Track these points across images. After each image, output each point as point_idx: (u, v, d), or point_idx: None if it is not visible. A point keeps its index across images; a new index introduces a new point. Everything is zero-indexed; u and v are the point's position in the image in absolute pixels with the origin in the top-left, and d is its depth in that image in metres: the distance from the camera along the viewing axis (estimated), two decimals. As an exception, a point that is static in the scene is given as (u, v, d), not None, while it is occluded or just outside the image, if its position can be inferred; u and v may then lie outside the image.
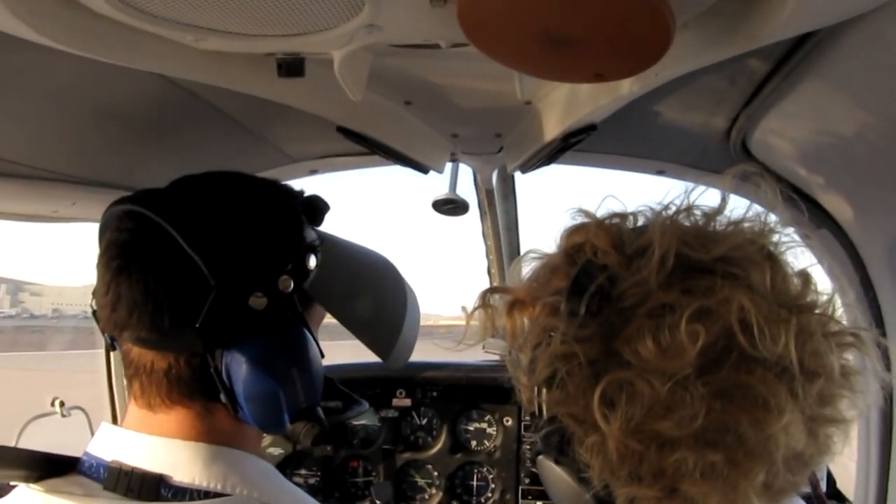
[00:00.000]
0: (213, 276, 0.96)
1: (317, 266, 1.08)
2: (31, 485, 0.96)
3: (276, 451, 2.63)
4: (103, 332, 1.09)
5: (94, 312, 1.09)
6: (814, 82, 1.23)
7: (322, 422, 1.08)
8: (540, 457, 0.96)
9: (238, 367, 0.97)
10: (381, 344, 1.18)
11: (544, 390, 0.88)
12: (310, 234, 1.11)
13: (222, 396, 0.99)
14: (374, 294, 1.26)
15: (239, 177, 1.12)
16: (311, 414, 1.06)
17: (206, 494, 0.96)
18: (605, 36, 0.88)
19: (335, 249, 1.15)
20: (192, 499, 0.95)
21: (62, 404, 2.15)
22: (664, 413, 0.79)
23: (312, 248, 1.08)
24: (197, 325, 0.95)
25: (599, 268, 0.86)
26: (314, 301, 1.10)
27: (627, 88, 1.24)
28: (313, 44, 1.07)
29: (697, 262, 0.84)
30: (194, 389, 1.00)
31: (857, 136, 1.33)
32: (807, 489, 1.03)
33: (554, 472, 0.93)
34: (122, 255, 0.99)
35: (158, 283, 0.96)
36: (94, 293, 1.06)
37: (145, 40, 1.06)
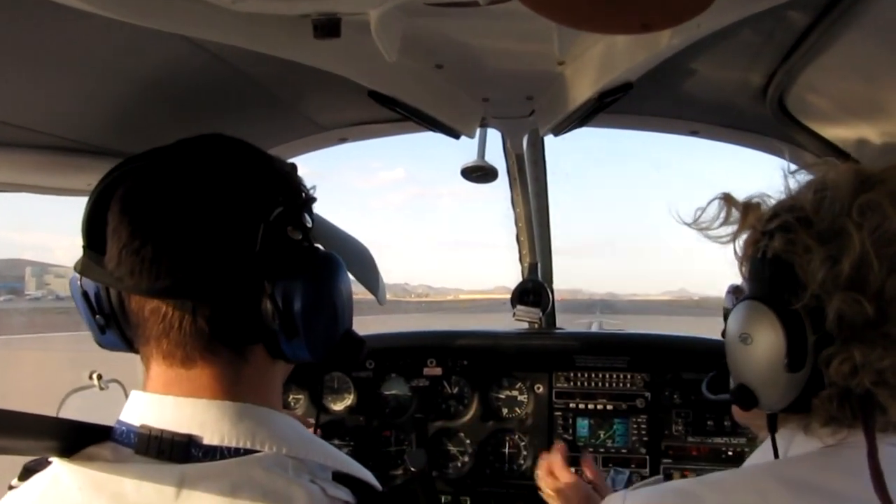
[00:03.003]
0: (261, 211, 0.98)
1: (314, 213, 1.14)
2: (65, 459, 0.97)
3: (311, 420, 2.67)
4: (96, 312, 1.06)
5: (83, 293, 1.06)
6: (856, 35, 1.20)
7: (362, 340, 1.13)
8: (746, 301, 1.05)
9: (297, 292, 0.99)
10: (370, 278, 1.30)
11: (777, 234, 1.01)
12: None
13: (276, 324, 0.99)
14: (352, 241, 1.43)
15: (227, 137, 1.12)
16: (349, 335, 1.12)
17: (237, 452, 0.96)
18: (654, -18, 0.86)
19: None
20: (222, 457, 0.95)
21: (100, 377, 2.17)
22: None
23: (310, 195, 1.14)
24: (256, 250, 0.96)
25: None
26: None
27: (666, 43, 1.22)
28: (351, 2, 1.06)
29: None
30: (236, 332, 1.00)
31: None
32: None
33: (761, 311, 1.01)
34: (156, 204, 0.97)
35: (207, 222, 0.96)
36: (85, 266, 1.02)
37: (181, 3, 1.05)
